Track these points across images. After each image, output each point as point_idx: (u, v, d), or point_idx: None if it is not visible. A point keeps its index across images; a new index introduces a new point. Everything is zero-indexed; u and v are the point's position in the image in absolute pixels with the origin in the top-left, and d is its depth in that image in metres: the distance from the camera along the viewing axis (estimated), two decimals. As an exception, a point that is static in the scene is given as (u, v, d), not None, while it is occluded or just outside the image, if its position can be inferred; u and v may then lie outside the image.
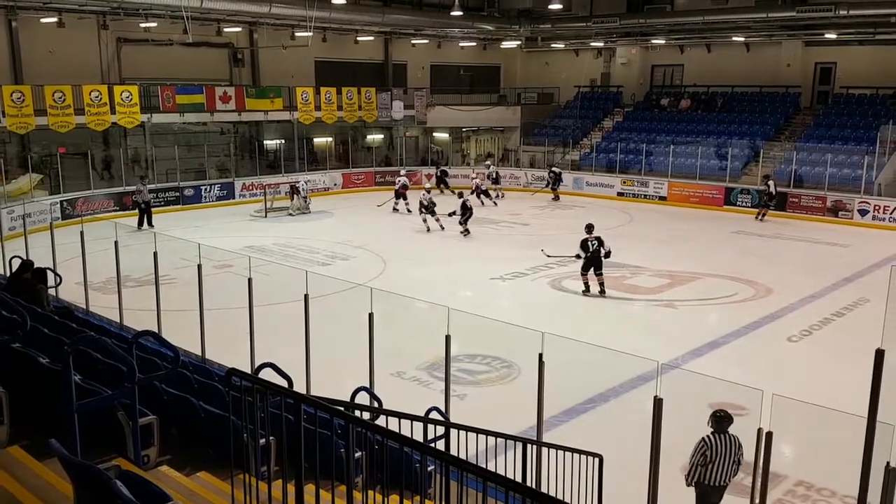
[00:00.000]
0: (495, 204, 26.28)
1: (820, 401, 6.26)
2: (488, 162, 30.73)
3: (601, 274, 14.94)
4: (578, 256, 14.99)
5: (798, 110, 29.68)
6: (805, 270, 17.24)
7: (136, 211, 21.49)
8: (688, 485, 6.51)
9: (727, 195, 25.96)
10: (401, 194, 24.81)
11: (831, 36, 27.36)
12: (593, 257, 14.85)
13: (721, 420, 6.53)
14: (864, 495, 5.21)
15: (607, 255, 14.92)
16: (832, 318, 13.62)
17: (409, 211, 24.01)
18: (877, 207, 22.82)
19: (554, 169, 28.16)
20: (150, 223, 21.05)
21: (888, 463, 4.78)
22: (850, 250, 19.69)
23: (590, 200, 27.52)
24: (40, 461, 4.05)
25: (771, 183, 23.71)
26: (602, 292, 14.92)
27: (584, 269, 15.00)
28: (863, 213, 23.09)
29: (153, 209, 21.86)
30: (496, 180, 27.97)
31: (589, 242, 14.90)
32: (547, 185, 27.97)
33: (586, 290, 15.00)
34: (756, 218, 23.75)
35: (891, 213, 22.68)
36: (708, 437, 6.50)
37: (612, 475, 6.89)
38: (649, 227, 22.92)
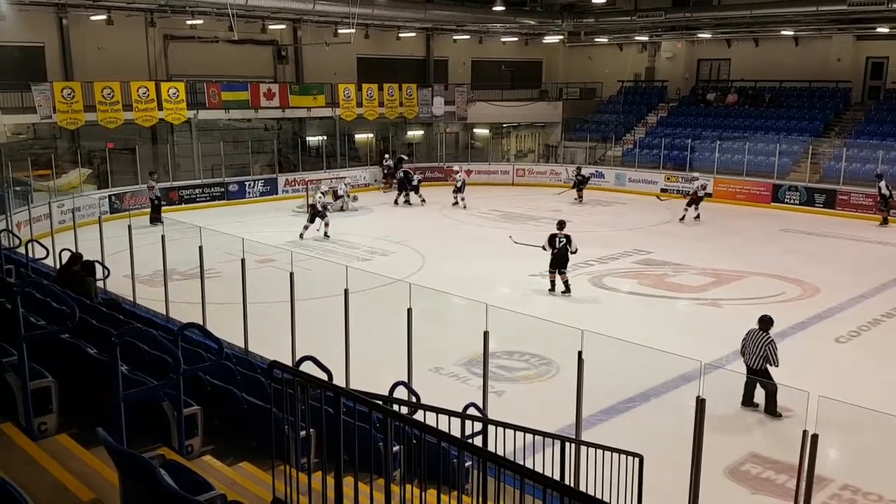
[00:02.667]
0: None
1: (868, 403, 6.09)
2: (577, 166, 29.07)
3: (564, 272, 14.69)
4: (544, 248, 14.82)
5: (848, 106, 28.93)
6: (854, 270, 16.82)
7: (150, 206, 21.32)
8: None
9: (774, 192, 25.43)
10: (458, 189, 25.15)
11: (883, 30, 26.58)
12: (559, 254, 14.61)
13: (763, 321, 9.70)
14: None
15: (573, 251, 14.68)
16: (881, 320, 13.27)
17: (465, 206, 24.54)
18: (931, 206, 22.13)
19: (582, 172, 27.20)
20: (155, 220, 20.31)
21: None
22: (901, 249, 19.16)
23: (631, 197, 27.19)
24: (87, 449, 4.15)
25: (883, 184, 21.92)
26: (566, 291, 14.65)
27: (552, 267, 14.76)
28: (892, 206, 22.37)
29: (160, 205, 21.59)
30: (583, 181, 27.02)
31: (557, 239, 14.65)
32: (574, 186, 26.83)
33: (552, 289, 14.77)
34: (880, 224, 21.92)
35: (945, 212, 21.99)
36: (751, 329, 9.67)
37: (653, 475, 6.81)
38: (694, 224, 22.55)
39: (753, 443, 8.59)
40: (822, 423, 5.21)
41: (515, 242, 16.75)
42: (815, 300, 14.47)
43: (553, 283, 14.85)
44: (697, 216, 22.72)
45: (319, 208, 20.22)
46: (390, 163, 28.78)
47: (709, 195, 24.31)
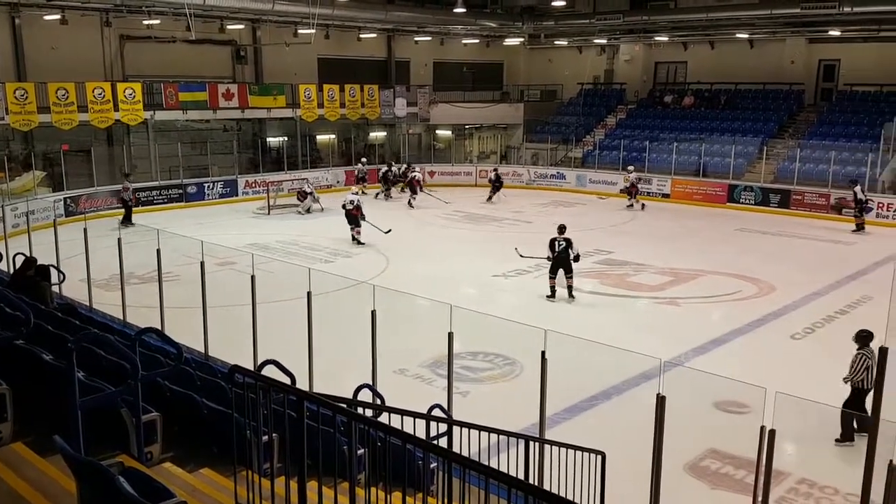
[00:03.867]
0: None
1: (823, 399, 6.26)
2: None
3: (570, 277, 14.44)
4: (549, 258, 14.51)
5: (802, 107, 29.62)
6: (808, 268, 17.21)
7: (123, 207, 21.32)
8: (853, 386, 8.51)
9: (730, 192, 25.92)
10: (414, 188, 25.62)
11: (835, 33, 27.27)
12: (559, 258, 14.36)
13: (862, 338, 8.56)
14: (868, 493, 5.21)
15: (576, 258, 14.45)
16: (835, 316, 13.60)
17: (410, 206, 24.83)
18: (880, 205, 22.75)
19: (498, 172, 27.57)
20: (127, 221, 20.60)
21: (892, 461, 4.77)
22: (853, 248, 19.67)
23: (591, 198, 27.48)
24: (44, 457, 4.06)
25: (858, 188, 21.71)
26: (570, 297, 14.44)
27: (552, 272, 14.49)
28: (866, 210, 23.01)
29: (133, 209, 21.52)
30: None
31: (556, 242, 14.41)
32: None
33: (551, 296, 14.48)
34: (854, 230, 21.58)
35: (894, 211, 22.63)
36: (864, 350, 8.40)
37: (615, 472, 6.89)
38: (653, 224, 22.89)
39: (712, 439, 8.73)
40: (778, 419, 5.32)
41: (522, 256, 16.43)
42: (771, 298, 14.77)
43: (553, 288, 14.53)
44: (643, 206, 24.70)
45: (349, 208, 19.21)
46: (394, 169, 28.48)
47: (666, 195, 24.96)
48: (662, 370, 5.82)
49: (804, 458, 8.49)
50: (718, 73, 31.43)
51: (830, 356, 11.69)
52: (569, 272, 14.42)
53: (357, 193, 20.55)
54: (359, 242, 19.20)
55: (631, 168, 26.09)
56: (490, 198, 26.71)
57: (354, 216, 19.23)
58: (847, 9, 23.85)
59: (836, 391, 8.72)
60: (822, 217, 23.45)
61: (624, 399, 9.89)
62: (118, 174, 24.56)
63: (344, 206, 19.55)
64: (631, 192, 25.14)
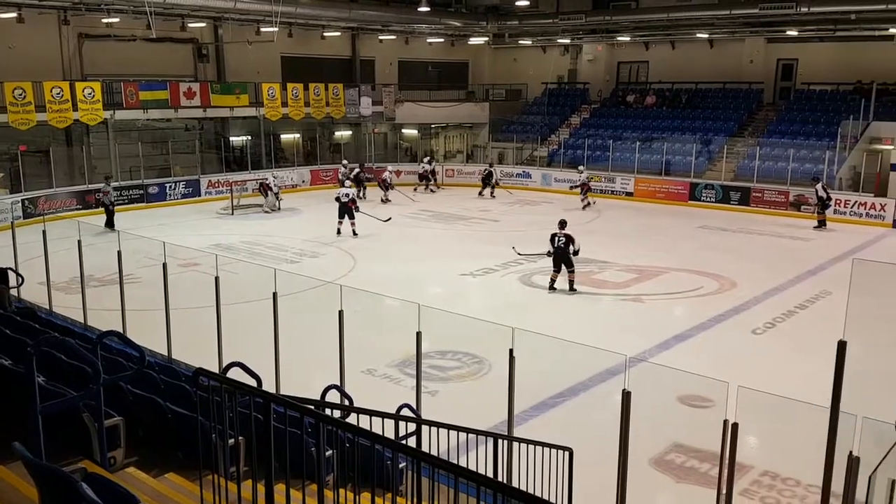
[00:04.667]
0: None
1: (784, 392, 6.36)
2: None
3: (572, 271, 14.86)
4: (549, 254, 14.94)
5: (761, 106, 30.15)
6: (768, 264, 17.53)
7: (104, 211, 20.98)
8: None
9: (692, 190, 26.29)
10: (387, 187, 26.01)
11: (793, 33, 27.84)
12: (558, 252, 14.77)
13: None
14: (828, 484, 5.32)
15: (576, 252, 14.85)
16: (795, 311, 13.87)
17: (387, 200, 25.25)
18: (838, 202, 23.24)
19: (430, 163, 29.22)
20: (110, 225, 20.34)
21: (851, 452, 4.87)
22: (812, 244, 20.08)
23: (557, 196, 27.67)
24: (4, 465, 3.98)
25: (820, 186, 22.12)
26: (572, 290, 14.84)
27: (555, 266, 14.93)
28: (827, 207, 23.50)
29: (114, 210, 21.31)
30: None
31: (556, 237, 14.86)
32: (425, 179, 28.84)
33: (551, 288, 14.91)
34: (816, 227, 22.02)
35: (852, 207, 23.16)
36: None
37: (582, 468, 6.95)
38: (617, 222, 23.13)
39: (677, 433, 8.85)
40: (741, 413, 5.40)
41: (519, 254, 16.72)
42: (733, 294, 15.02)
43: (552, 281, 14.91)
44: (593, 202, 25.56)
45: (344, 200, 20.10)
46: (426, 166, 29.23)
47: (630, 194, 25.30)
48: (628, 366, 5.88)
49: (767, 450, 8.64)
50: (679, 73, 31.88)
51: (790, 350, 11.95)
52: (570, 267, 14.80)
53: (353, 188, 21.65)
54: (354, 233, 19.97)
55: (581, 168, 26.46)
56: (416, 189, 28.27)
57: (349, 208, 19.97)
58: (804, 9, 24.38)
59: (797, 384, 8.89)
60: (782, 214, 23.91)
61: (590, 395, 9.98)
62: (77, 175, 24.11)
63: (338, 199, 20.14)
64: (583, 189, 25.51)
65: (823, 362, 5.86)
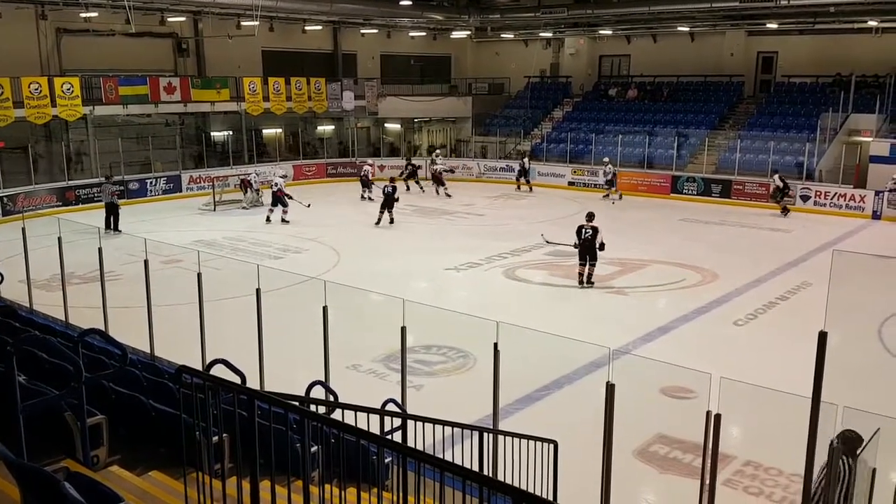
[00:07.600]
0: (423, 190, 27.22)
1: (766, 382, 6.42)
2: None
3: (594, 264, 14.82)
4: (575, 245, 14.90)
5: (741, 99, 30.35)
6: (750, 256, 17.66)
7: (107, 211, 20.08)
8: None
9: (674, 183, 26.44)
10: (367, 183, 25.32)
11: (773, 26, 28.03)
12: (585, 245, 14.75)
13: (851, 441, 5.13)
14: (810, 473, 5.37)
15: (601, 247, 14.80)
16: (776, 302, 14.00)
17: (371, 199, 24.52)
18: (818, 193, 23.49)
19: (412, 162, 28.62)
20: (114, 226, 19.49)
21: (832, 441, 4.93)
22: (792, 236, 20.26)
23: (540, 190, 27.72)
24: (-16, 465, 3.93)
25: (777, 177, 23.35)
26: (590, 283, 14.80)
27: (581, 259, 14.86)
28: (805, 199, 23.76)
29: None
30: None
31: (584, 230, 14.82)
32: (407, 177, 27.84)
33: (581, 283, 14.84)
34: (782, 214, 22.92)
35: (831, 199, 23.38)
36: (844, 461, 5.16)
37: (567, 460, 6.98)
38: (599, 215, 23.03)
39: (660, 424, 8.90)
40: (723, 403, 5.45)
41: (547, 242, 16.71)
42: (715, 285, 15.13)
43: (581, 275, 14.89)
44: (620, 196, 25.87)
45: (275, 191, 21.22)
46: (439, 165, 28.03)
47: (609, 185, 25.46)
48: (611, 358, 5.91)
49: (749, 441, 8.72)
50: (661, 66, 32.01)
51: (771, 341, 12.06)
52: (593, 259, 14.80)
53: (285, 177, 23.08)
54: (284, 221, 21.05)
55: (606, 160, 26.39)
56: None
57: (280, 197, 21.10)
58: (784, 2, 24.53)
59: (779, 375, 8.98)
60: (763, 206, 24.08)
61: (575, 388, 10.02)
62: (57, 172, 23.87)
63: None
64: (610, 182, 25.79)
65: (804, 353, 5.92)
